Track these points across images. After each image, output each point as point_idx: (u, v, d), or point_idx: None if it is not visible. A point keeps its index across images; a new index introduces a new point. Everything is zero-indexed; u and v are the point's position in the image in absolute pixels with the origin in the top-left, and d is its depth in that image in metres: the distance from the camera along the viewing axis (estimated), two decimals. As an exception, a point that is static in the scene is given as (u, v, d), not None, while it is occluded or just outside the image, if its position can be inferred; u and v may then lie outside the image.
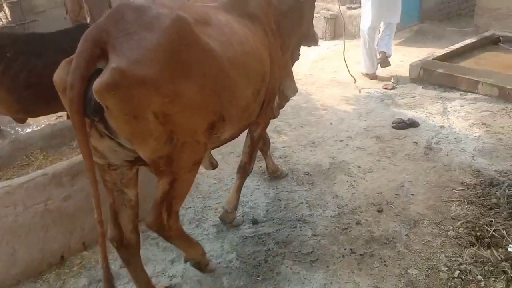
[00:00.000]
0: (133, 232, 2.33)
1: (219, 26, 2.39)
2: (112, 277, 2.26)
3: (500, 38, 6.26)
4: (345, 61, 5.65)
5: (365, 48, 5.77)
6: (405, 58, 6.44)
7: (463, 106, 4.72)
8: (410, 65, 5.50)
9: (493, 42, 6.32)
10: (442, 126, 4.39)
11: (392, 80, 5.59)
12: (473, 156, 3.82)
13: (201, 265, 2.62)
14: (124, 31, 1.89)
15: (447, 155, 3.88)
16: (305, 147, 4.22)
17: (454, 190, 3.36)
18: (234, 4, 2.73)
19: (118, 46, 1.85)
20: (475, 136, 4.14)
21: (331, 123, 4.72)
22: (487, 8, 6.57)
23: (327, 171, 3.80)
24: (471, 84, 4.88)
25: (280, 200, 3.44)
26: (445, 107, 4.77)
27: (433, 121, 4.54)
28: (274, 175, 3.75)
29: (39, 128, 4.49)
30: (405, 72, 5.78)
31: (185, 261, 2.63)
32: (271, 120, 3.23)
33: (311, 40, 3.57)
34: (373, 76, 5.82)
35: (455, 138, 4.14)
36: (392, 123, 4.52)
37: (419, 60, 5.55)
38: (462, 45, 6.02)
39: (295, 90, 3.39)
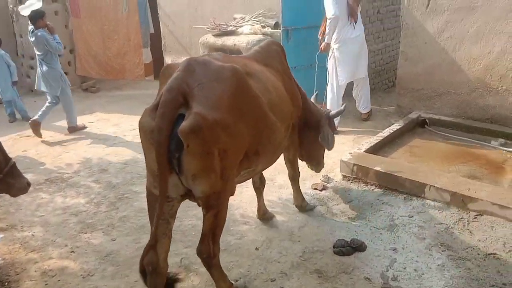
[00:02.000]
0: (164, 261, 2.69)
1: (257, 75, 2.94)
2: None
3: (427, 120, 5.80)
4: None
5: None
6: (330, 144, 5.67)
7: (411, 217, 3.90)
8: (341, 161, 4.67)
9: (420, 125, 5.84)
10: (395, 249, 3.49)
11: (321, 178, 4.70)
12: (446, 303, 2.91)
13: None
14: (197, 82, 2.45)
15: (413, 301, 2.94)
16: (225, 300, 3.03)
17: None
18: (258, 56, 3.36)
19: (195, 95, 2.40)
20: (438, 265, 3.28)
21: (256, 248, 3.61)
22: (409, 88, 6.15)
23: None
24: (416, 187, 4.13)
25: None
26: (390, 218, 3.92)
27: (381, 240, 3.63)
28: (264, 217, 3.99)
29: None
30: (333, 165, 4.96)
31: None
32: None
33: None
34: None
35: (415, 270, 3.24)
36: (333, 247, 3.53)
37: (350, 154, 4.75)
38: (391, 131, 5.41)
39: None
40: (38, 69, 6.64)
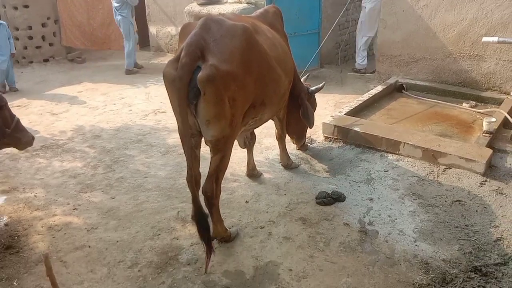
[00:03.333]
0: (199, 175, 3.26)
1: (265, 33, 3.32)
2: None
3: (404, 85, 6.13)
4: None
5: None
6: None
7: (387, 171, 4.27)
8: (323, 123, 4.98)
9: (397, 90, 6.18)
10: (371, 199, 3.86)
11: (305, 140, 5.01)
12: (415, 241, 3.29)
13: (225, 238, 3.32)
14: (212, 37, 2.80)
15: (386, 241, 3.32)
16: (220, 245, 3.35)
17: (409, 299, 2.77)
18: (262, 17, 3.75)
19: (210, 50, 2.76)
20: (410, 211, 3.66)
21: (246, 201, 3.94)
22: (388, 54, 6.44)
23: (252, 281, 2.97)
24: (391, 145, 4.48)
25: None
26: (368, 172, 4.28)
27: (359, 192, 4.00)
28: (253, 173, 4.27)
29: None
30: (315, 128, 5.26)
31: (212, 240, 3.08)
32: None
33: None
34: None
35: (389, 216, 3.62)
36: (316, 198, 3.88)
37: (331, 117, 5.07)
38: (370, 95, 5.73)
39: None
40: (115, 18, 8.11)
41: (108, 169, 4.68)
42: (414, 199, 3.81)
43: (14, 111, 6.64)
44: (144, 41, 9.89)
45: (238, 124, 3.05)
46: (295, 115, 4.24)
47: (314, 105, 4.53)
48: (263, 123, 3.77)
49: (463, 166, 4.09)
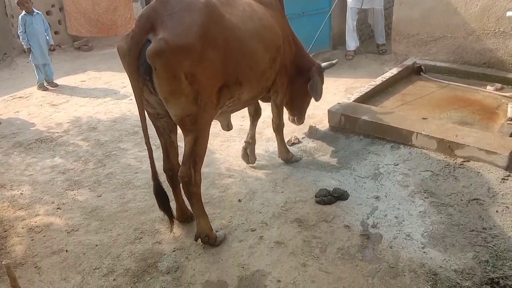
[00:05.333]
0: (177, 165, 3.06)
1: (241, 6, 3.14)
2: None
3: (422, 67, 5.62)
4: None
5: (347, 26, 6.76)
6: (321, 95, 5.55)
7: (396, 165, 3.85)
8: (328, 111, 4.57)
9: (415, 72, 5.67)
10: (377, 197, 3.46)
11: (308, 130, 4.62)
12: (423, 248, 2.90)
13: (210, 239, 3.01)
14: (168, 11, 2.63)
15: (391, 247, 2.93)
16: (204, 250, 3.05)
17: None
18: None
19: (164, 23, 2.59)
20: (420, 212, 3.25)
21: (239, 200, 3.60)
22: (405, 33, 5.92)
23: (235, 294, 2.66)
24: (403, 135, 4.04)
25: None
26: (376, 166, 3.87)
27: (364, 188, 3.60)
28: (250, 142, 4.04)
29: None
30: (323, 116, 4.87)
31: (196, 239, 3.03)
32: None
33: None
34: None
35: (396, 217, 3.22)
36: (315, 196, 3.52)
37: (339, 104, 4.64)
38: (383, 79, 5.26)
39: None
40: None
41: (98, 164, 4.43)
42: (425, 197, 3.39)
43: (16, 102, 6.57)
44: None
45: (209, 102, 2.81)
46: (302, 91, 4.06)
47: (322, 80, 4.23)
48: (245, 105, 3.59)
49: (483, 159, 3.63)
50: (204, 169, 4.10)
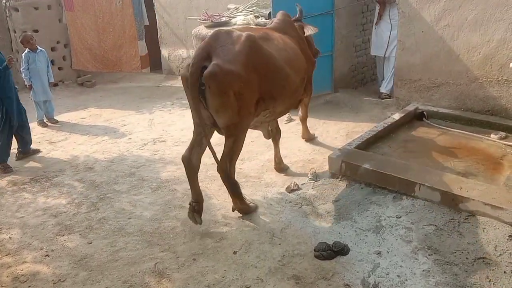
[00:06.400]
0: (197, 160, 3.77)
1: (276, 40, 3.95)
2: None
3: (424, 113, 5.55)
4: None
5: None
6: (321, 139, 5.48)
7: (399, 217, 3.71)
8: (329, 157, 4.47)
9: (417, 118, 5.60)
10: (379, 253, 3.31)
11: (309, 176, 4.51)
12: (427, 312, 2.73)
13: (245, 211, 3.90)
14: (219, 44, 3.44)
15: (393, 310, 2.76)
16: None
17: None
18: (276, 26, 4.34)
19: (216, 53, 3.38)
20: (423, 270, 3.08)
21: (234, 252, 3.45)
22: (407, 79, 5.89)
23: None
24: (405, 186, 3.92)
25: None
26: (377, 218, 3.73)
27: (366, 242, 3.45)
28: (279, 167, 4.75)
29: None
30: (323, 161, 4.77)
31: (233, 210, 3.89)
32: None
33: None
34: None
35: (398, 276, 3.05)
36: (314, 250, 3.36)
37: (339, 150, 4.55)
38: (385, 125, 5.18)
39: None
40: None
41: (92, 208, 4.31)
42: (429, 255, 3.23)
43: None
44: (156, 64, 9.66)
45: (248, 113, 3.57)
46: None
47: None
48: (279, 115, 4.38)
49: (488, 214, 3.49)
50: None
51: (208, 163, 4.49)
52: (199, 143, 3.74)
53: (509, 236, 3.34)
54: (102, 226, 3.98)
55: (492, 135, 4.91)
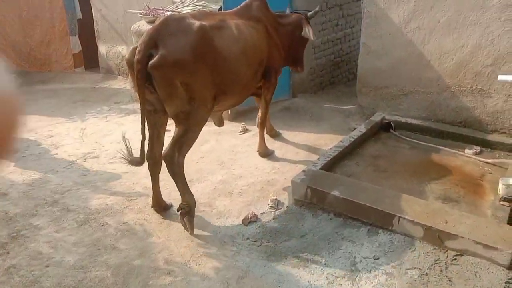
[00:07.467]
0: (159, 156, 3.56)
1: (230, 29, 3.74)
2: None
3: (392, 124, 5.05)
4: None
5: None
6: (281, 154, 4.84)
7: (377, 258, 3.13)
8: (292, 182, 3.83)
9: (384, 128, 5.09)
10: (358, 310, 2.71)
11: (269, 204, 3.85)
12: None
13: (190, 214, 3.50)
14: (168, 32, 3.28)
15: None
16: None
17: None
18: (239, 11, 4.16)
19: (164, 41, 3.23)
20: (413, 335, 2.51)
21: (179, 314, 2.73)
22: (372, 86, 5.36)
23: None
24: (381, 218, 3.36)
25: None
26: (352, 260, 3.13)
27: (340, 294, 2.84)
28: (272, 133, 5.16)
29: None
30: (284, 183, 4.15)
31: (178, 210, 3.53)
32: None
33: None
34: None
35: None
36: (279, 309, 2.71)
37: (304, 172, 3.92)
38: (351, 139, 4.62)
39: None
40: None
41: (1, 251, 3.42)
42: (417, 312, 2.67)
43: None
44: (92, 62, 8.61)
45: (202, 105, 3.44)
46: (299, 42, 4.70)
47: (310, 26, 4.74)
48: (231, 107, 4.50)
49: (480, 254, 2.99)
50: (135, 261, 3.24)
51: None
52: (157, 135, 3.64)
53: (505, 282, 2.84)
54: (10, 279, 3.12)
55: (466, 150, 4.48)
